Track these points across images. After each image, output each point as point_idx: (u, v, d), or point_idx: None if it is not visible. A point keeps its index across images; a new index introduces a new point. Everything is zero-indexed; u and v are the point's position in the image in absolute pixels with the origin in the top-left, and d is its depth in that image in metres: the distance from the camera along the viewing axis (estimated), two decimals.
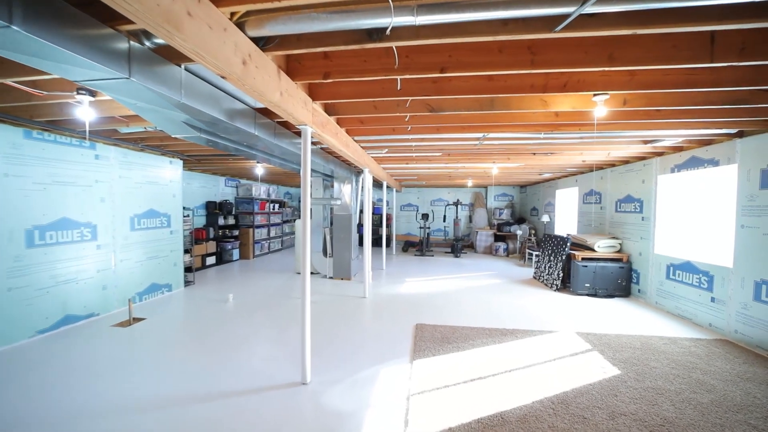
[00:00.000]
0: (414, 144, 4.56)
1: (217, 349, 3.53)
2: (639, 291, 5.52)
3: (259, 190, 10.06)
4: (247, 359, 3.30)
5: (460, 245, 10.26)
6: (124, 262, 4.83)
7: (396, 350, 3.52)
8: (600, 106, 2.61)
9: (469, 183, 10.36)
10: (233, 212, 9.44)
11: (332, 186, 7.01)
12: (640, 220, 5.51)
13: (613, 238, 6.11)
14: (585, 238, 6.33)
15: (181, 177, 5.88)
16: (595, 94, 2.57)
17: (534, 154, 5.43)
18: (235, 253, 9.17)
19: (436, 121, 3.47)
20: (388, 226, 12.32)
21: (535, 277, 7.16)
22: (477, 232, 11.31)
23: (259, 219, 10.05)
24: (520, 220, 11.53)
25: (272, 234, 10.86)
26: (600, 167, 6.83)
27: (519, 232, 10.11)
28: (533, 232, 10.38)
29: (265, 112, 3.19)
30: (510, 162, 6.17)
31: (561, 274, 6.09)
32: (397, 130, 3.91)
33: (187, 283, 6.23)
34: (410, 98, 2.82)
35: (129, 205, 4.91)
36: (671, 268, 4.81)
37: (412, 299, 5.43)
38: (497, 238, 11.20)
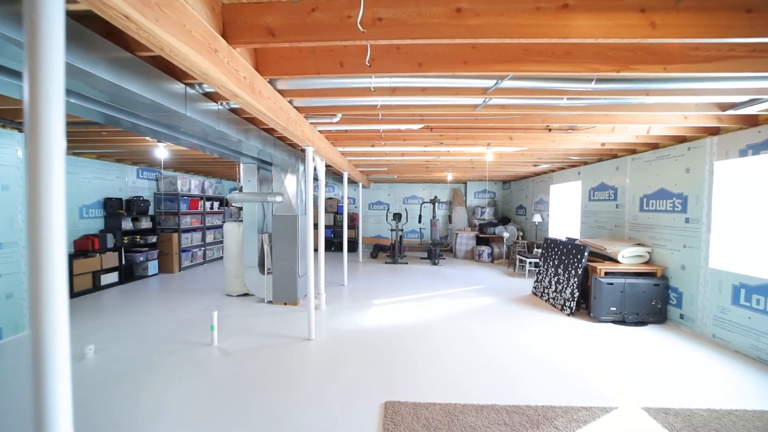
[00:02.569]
0: (380, 102, 2.82)
1: None
2: (682, 317, 4.14)
3: (188, 185, 7.93)
4: None
5: (438, 250, 8.70)
6: None
7: None
8: None
9: (449, 177, 8.81)
10: (150, 212, 7.27)
11: (273, 179, 5.15)
12: (683, 223, 4.13)
13: (639, 245, 4.73)
14: (602, 244, 4.92)
15: (21, 159, 3.79)
16: None
17: (549, 129, 3.88)
18: (153, 266, 7.02)
19: (416, 33, 1.75)
20: (353, 227, 10.55)
21: (535, 293, 5.69)
22: (456, 234, 9.81)
23: (188, 221, 7.93)
24: (503, 220, 10.18)
25: (209, 239, 8.74)
26: (613, 155, 5.46)
27: (506, 235, 8.71)
28: (521, 234, 9.02)
29: None
30: (511, 144, 4.61)
31: (576, 293, 4.62)
32: (349, 64, 2.16)
33: None
34: None
35: None
36: (742, 291, 3.43)
37: (380, 341, 3.71)
38: (479, 240, 9.76)
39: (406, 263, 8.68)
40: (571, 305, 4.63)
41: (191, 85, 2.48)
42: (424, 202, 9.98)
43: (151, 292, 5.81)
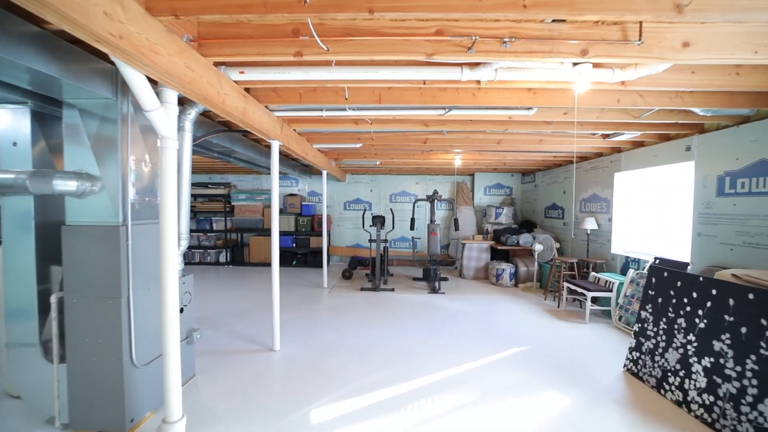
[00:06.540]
0: None
1: None
2: None
3: None
4: None
5: (439, 271, 5.88)
6: None
7: None
8: None
9: (457, 161, 5.98)
10: None
11: (65, 140, 2.25)
12: None
13: None
14: None
15: None
16: None
17: None
18: None
19: None
20: (317, 232, 7.65)
21: (637, 375, 2.90)
22: (464, 244, 7.01)
23: None
24: (525, 225, 7.43)
25: None
26: None
27: (537, 248, 5.94)
28: (557, 246, 6.27)
29: None
30: (654, 52, 1.80)
31: None
32: None
33: None
34: None
35: None
36: None
37: None
38: (495, 253, 6.99)
39: (393, 290, 5.85)
40: None
41: None
42: (418, 200, 7.14)
43: None
